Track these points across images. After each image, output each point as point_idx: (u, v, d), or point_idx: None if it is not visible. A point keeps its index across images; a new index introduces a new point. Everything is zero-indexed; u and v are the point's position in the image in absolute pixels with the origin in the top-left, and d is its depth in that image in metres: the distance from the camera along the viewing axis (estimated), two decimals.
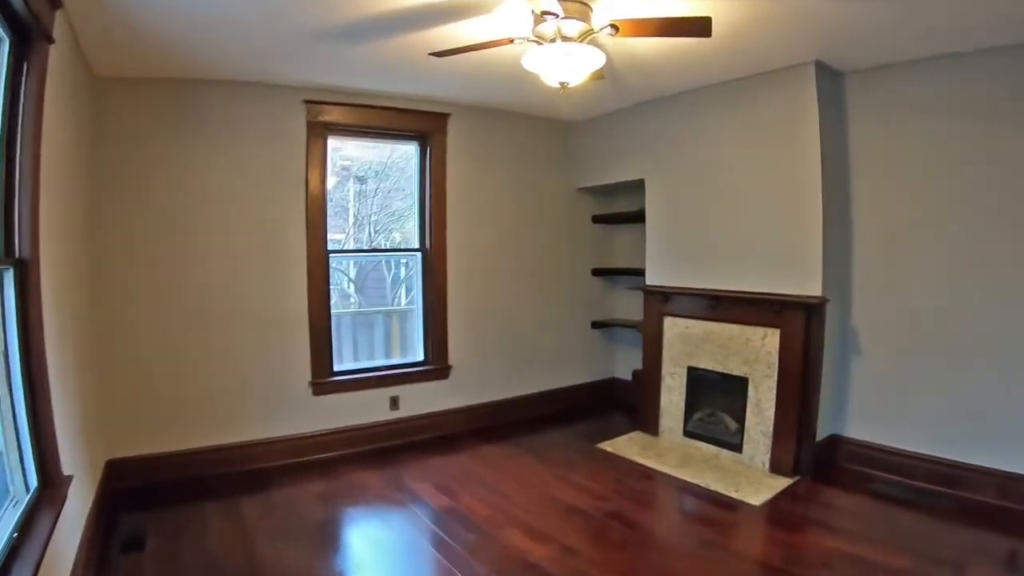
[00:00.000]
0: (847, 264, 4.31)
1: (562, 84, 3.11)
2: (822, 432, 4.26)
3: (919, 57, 3.87)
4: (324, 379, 4.75)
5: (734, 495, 3.94)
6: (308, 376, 4.68)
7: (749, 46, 3.76)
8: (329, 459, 4.69)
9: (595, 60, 2.98)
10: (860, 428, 4.32)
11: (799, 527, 3.57)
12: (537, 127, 5.82)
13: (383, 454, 4.82)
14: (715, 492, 4.01)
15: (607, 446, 4.92)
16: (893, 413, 4.15)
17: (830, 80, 4.17)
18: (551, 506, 3.86)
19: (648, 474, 4.40)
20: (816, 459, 4.22)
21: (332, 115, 4.66)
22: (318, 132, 4.61)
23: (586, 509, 3.81)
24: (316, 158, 4.61)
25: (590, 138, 5.86)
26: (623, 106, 5.34)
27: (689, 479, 4.22)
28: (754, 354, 4.36)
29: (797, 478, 4.13)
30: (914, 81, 3.96)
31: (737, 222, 4.51)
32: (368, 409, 4.96)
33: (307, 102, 4.55)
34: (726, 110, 4.54)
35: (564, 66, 2.98)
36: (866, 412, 4.29)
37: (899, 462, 4.09)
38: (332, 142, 4.81)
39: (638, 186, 5.39)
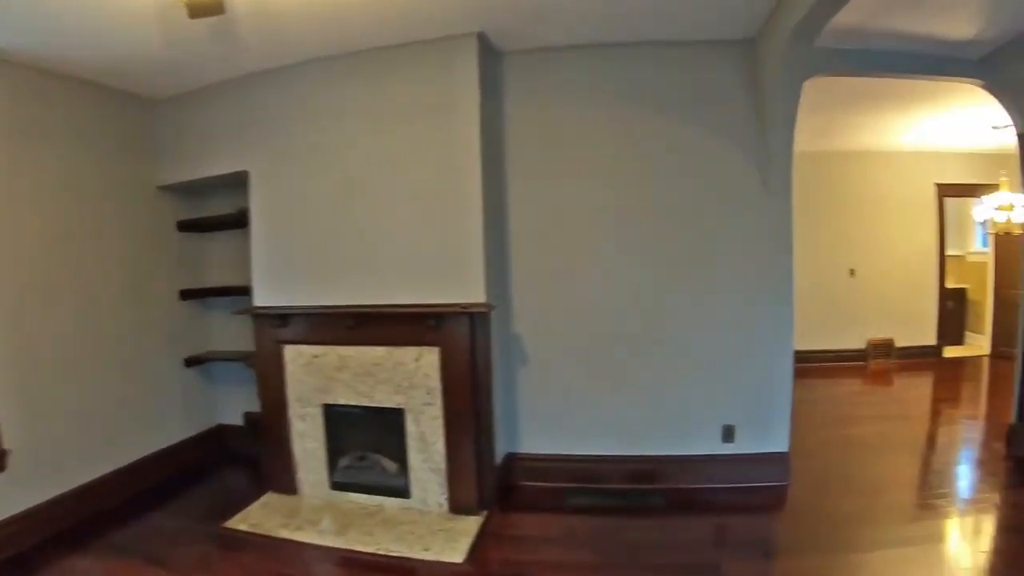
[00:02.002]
0: (506, 264, 3.87)
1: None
2: (498, 454, 3.77)
3: (583, 42, 3.64)
4: None
5: (427, 556, 3.17)
6: None
7: (402, 5, 3.05)
8: None
9: None
10: (534, 441, 3.97)
11: None
12: (109, 102, 4.13)
13: None
14: (404, 558, 3.18)
15: (240, 524, 3.66)
16: (567, 418, 3.90)
17: (490, 59, 3.63)
18: None
19: (309, 554, 3.33)
20: (498, 486, 3.71)
21: None
22: None
23: None
24: None
25: (179, 119, 4.36)
26: (230, 76, 4.01)
27: (363, 547, 3.29)
28: (408, 379, 3.61)
29: (485, 514, 3.55)
30: (576, 67, 3.74)
31: (380, 222, 3.69)
32: None
33: None
34: (367, 85, 3.68)
35: None
36: (538, 423, 3.95)
37: (584, 469, 3.86)
38: None
39: (239, 182, 4.16)
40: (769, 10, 3.33)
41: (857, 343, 7.80)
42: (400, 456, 3.73)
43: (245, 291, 4.28)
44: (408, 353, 3.59)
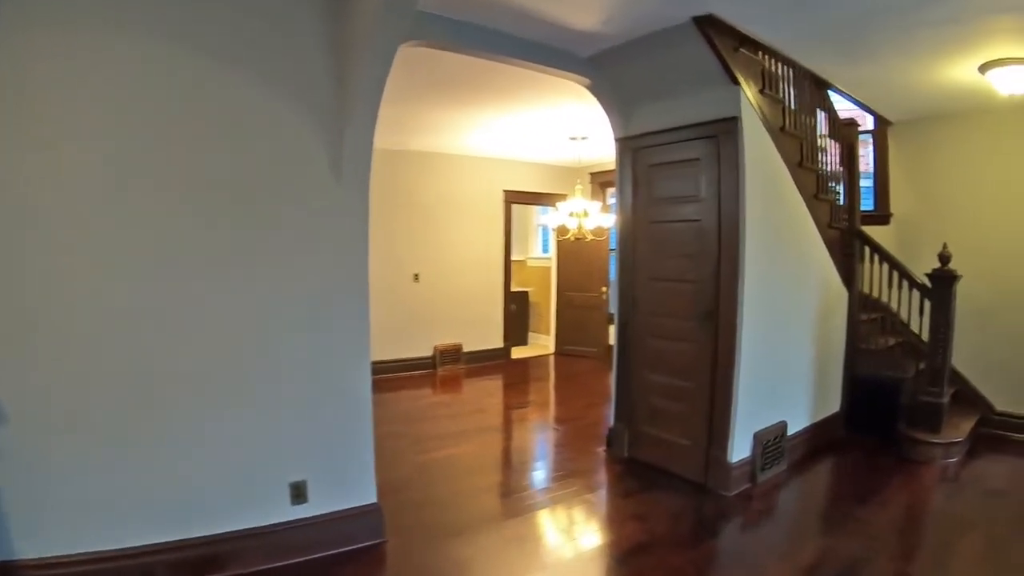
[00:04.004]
0: None
1: None
2: None
3: None
4: None
5: None
6: None
7: None
8: None
9: None
10: (40, 539, 2.44)
11: None
12: None
13: None
14: None
15: None
16: (86, 501, 2.52)
17: None
18: None
19: None
20: None
21: None
22: None
23: None
24: None
25: None
26: None
27: None
28: None
29: None
30: None
31: None
32: None
33: None
34: None
35: None
36: (43, 512, 2.45)
37: (121, 569, 2.54)
38: None
39: None
40: None
41: (425, 351, 7.57)
42: None
43: None
44: None
